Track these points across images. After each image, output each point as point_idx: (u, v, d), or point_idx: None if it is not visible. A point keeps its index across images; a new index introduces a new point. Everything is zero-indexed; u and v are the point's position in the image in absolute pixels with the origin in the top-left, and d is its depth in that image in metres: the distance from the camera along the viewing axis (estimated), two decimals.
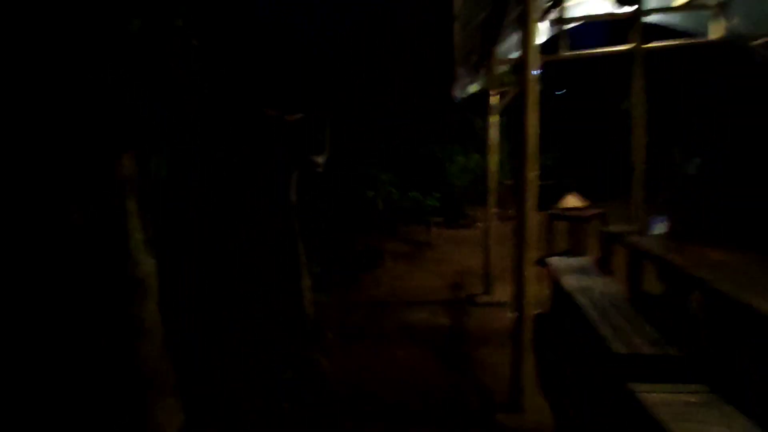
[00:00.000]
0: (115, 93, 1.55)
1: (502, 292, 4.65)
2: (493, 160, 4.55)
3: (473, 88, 5.19)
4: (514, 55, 4.64)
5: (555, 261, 4.06)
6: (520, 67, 2.33)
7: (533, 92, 2.33)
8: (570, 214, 5.42)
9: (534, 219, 2.40)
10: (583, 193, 6.25)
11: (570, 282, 3.46)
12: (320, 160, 4.15)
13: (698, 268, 2.66)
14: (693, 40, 3.97)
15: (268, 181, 3.95)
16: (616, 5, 4.23)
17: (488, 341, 3.68)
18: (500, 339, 3.71)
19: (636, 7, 3.98)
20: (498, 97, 4.58)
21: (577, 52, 4.17)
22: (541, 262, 5.74)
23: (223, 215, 3.85)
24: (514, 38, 4.70)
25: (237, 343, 3.30)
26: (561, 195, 10.29)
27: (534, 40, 2.30)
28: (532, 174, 2.36)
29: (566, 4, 4.10)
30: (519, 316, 2.45)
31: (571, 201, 5.60)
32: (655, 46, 3.96)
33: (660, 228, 3.58)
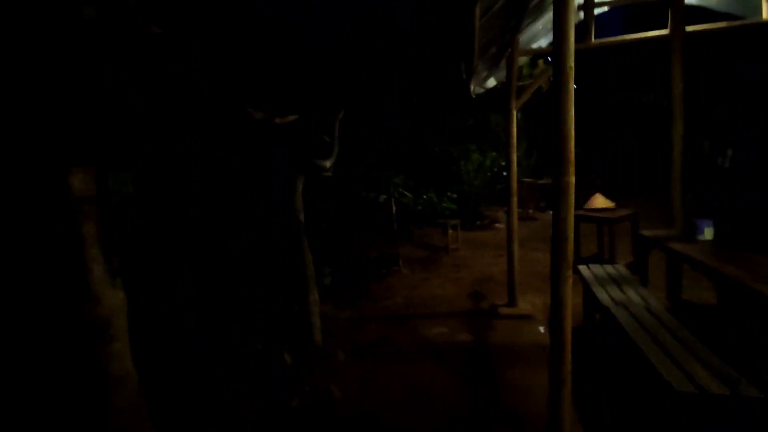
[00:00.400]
0: (64, 94, 1.27)
1: (528, 303, 4.31)
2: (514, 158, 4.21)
3: (491, 82, 4.83)
4: (537, 45, 4.29)
5: (586, 269, 3.69)
6: (554, 55, 1.99)
7: (570, 84, 1.99)
8: (598, 216, 5.03)
9: (572, 230, 2.06)
10: (605, 192, 5.84)
11: (606, 295, 3.10)
12: (327, 164, 3.86)
13: (760, 282, 2.30)
14: (743, 22, 3.55)
15: (267, 181, 3.86)
16: None
17: (516, 360, 3.35)
18: (529, 357, 3.37)
19: None
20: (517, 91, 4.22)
21: (608, 39, 3.78)
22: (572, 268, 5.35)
23: (223, 215, 3.82)
24: (535, 27, 4.35)
25: (237, 343, 3.28)
26: (581, 194, 9.82)
27: (572, 24, 1.96)
28: (570, 178, 2.03)
29: None
30: (557, 342, 2.11)
31: (599, 201, 5.20)
32: (699, 29, 3.55)
33: (708, 232, 3.20)
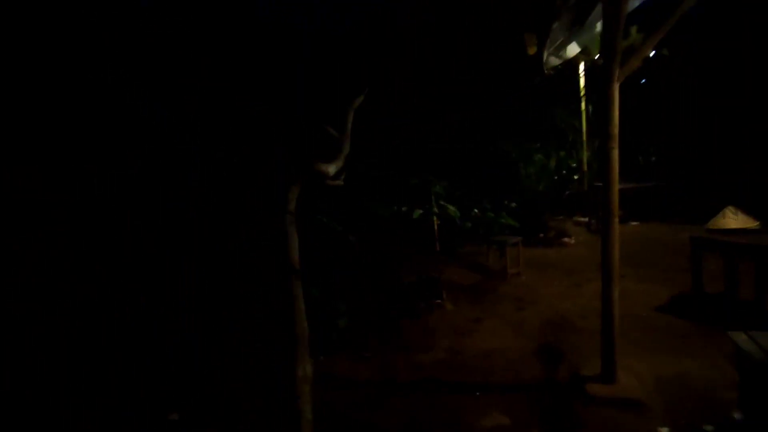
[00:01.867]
0: None
1: (630, 374, 2.85)
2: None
3: (573, 49, 3.40)
4: None
5: (746, 340, 2.22)
6: None
7: None
8: (734, 241, 3.42)
9: None
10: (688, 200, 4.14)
11: None
12: (331, 169, 2.66)
13: None
14: None
15: (267, 181, 3.50)
16: None
17: None
18: None
19: None
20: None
21: None
22: (686, 311, 3.47)
23: (223, 215, 3.83)
24: None
25: (237, 343, 3.29)
26: (668, 202, 7.84)
27: None
28: None
29: None
30: None
31: (731, 218, 3.59)
32: None
33: None
